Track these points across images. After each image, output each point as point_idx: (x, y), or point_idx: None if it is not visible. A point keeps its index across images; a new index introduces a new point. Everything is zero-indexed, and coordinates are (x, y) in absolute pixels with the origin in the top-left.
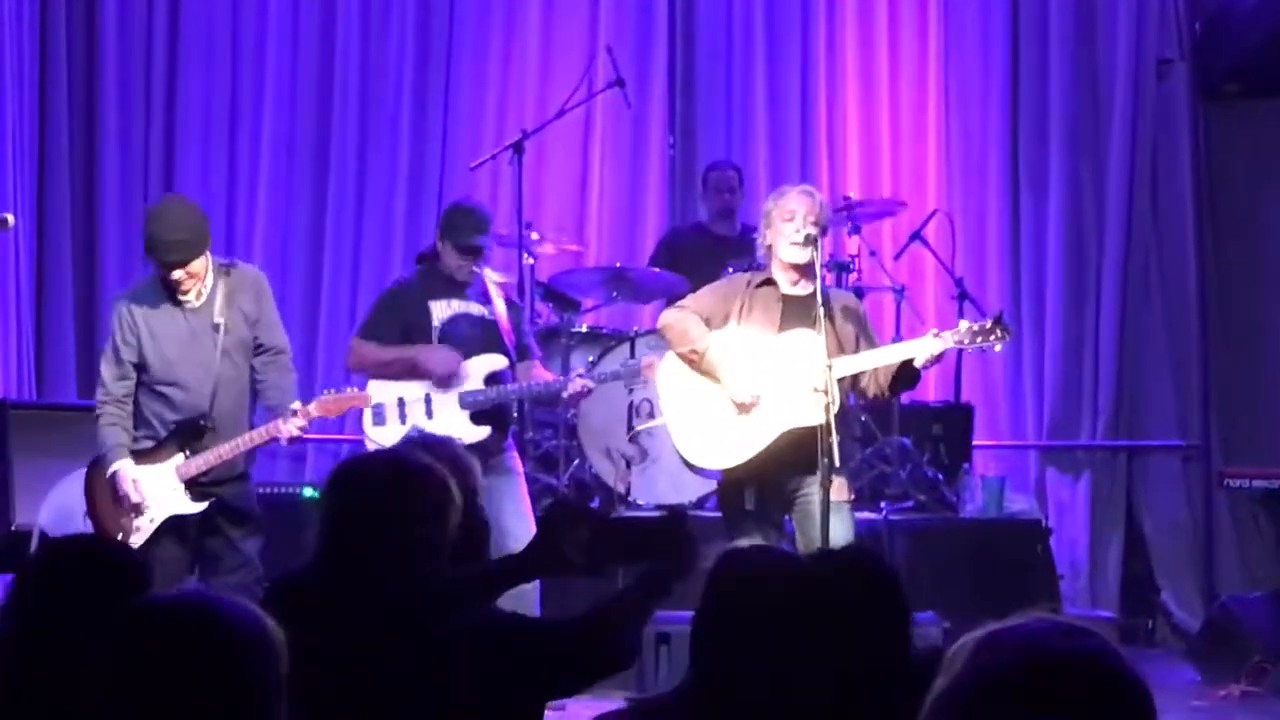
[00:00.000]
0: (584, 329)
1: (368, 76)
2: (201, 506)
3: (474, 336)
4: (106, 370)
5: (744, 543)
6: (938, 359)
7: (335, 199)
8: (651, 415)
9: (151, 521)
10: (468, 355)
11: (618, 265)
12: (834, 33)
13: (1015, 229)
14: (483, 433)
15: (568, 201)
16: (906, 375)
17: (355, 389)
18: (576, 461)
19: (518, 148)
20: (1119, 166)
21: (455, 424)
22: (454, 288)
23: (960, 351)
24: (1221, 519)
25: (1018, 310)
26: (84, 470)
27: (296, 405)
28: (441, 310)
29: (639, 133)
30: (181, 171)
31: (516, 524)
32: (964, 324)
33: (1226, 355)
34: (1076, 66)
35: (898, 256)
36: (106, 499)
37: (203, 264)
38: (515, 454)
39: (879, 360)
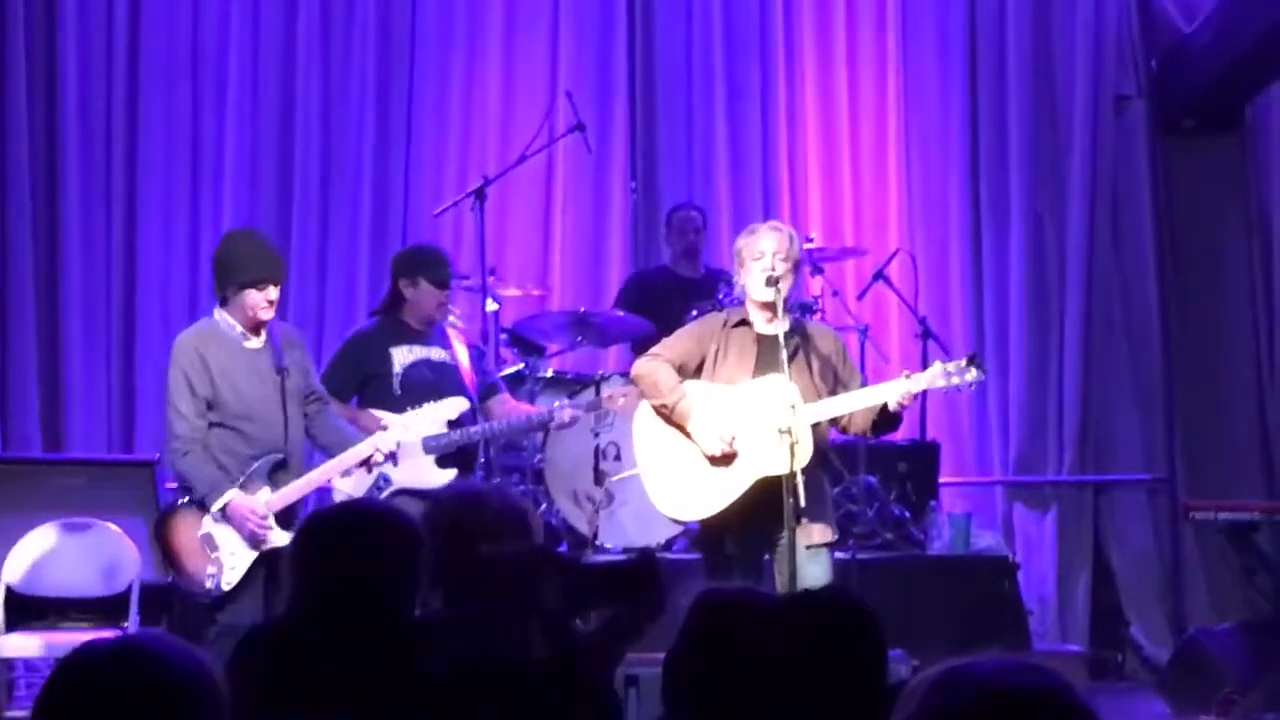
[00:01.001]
0: (549, 373)
1: (329, 123)
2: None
3: (435, 380)
4: (184, 408)
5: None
6: (913, 400)
7: (298, 249)
8: (619, 459)
9: (248, 558)
10: (430, 399)
11: (582, 309)
12: (793, 73)
13: (977, 266)
14: (449, 476)
15: (531, 246)
16: (887, 418)
17: (452, 399)
18: (544, 506)
19: (480, 194)
20: (1079, 202)
21: (421, 469)
22: (414, 334)
23: (923, 391)
24: (1189, 551)
25: (982, 347)
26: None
27: (388, 421)
28: (403, 356)
29: (600, 177)
30: (144, 230)
31: None
32: (938, 364)
33: (1191, 387)
34: (1035, 104)
35: (861, 296)
36: (192, 542)
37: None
38: None
39: (854, 404)
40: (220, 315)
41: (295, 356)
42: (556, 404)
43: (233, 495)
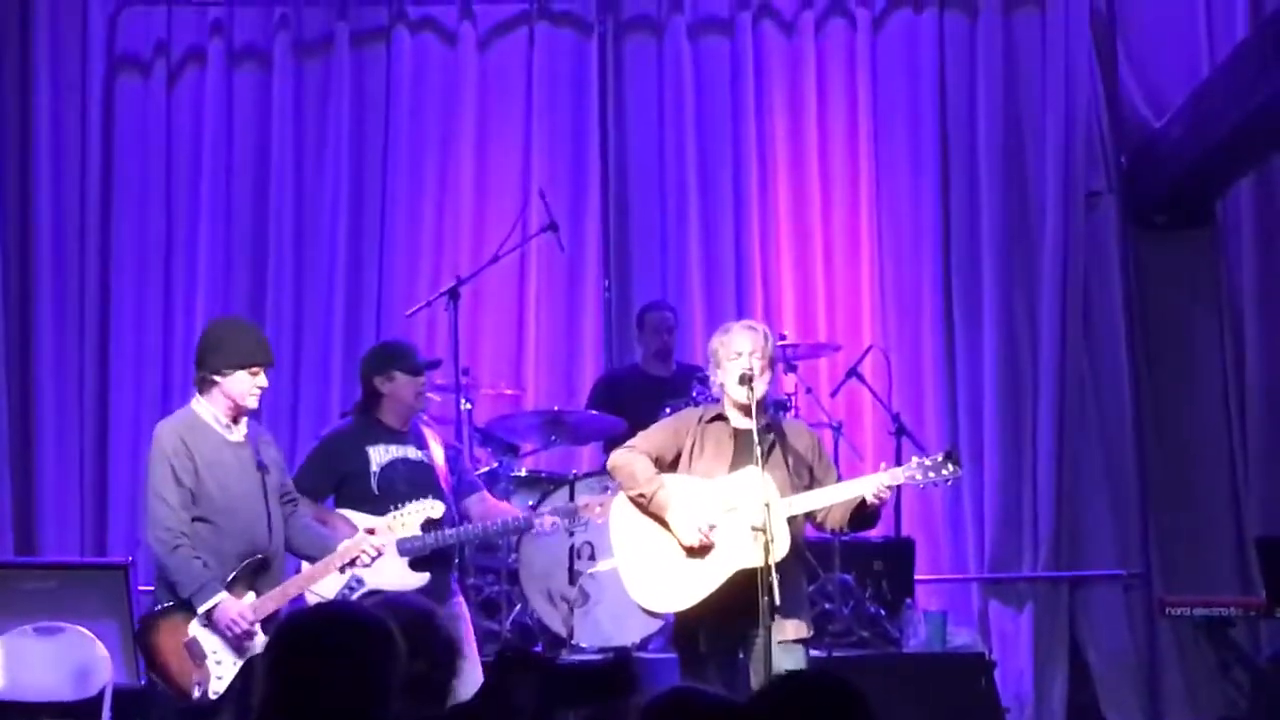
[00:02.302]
0: (523, 473)
1: (302, 222)
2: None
3: (412, 480)
4: (170, 498)
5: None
6: (890, 494)
7: (275, 351)
8: (593, 558)
9: (234, 664)
10: (408, 498)
11: (555, 408)
12: (766, 169)
13: (950, 363)
14: (422, 579)
15: (504, 346)
16: (864, 514)
17: (430, 499)
18: (518, 606)
19: (453, 294)
20: (1051, 298)
21: (393, 571)
22: (390, 433)
23: (899, 486)
24: (1165, 647)
25: (956, 443)
26: (37, 629)
27: (371, 524)
28: (379, 455)
29: (574, 276)
30: (117, 331)
31: (465, 669)
32: (915, 460)
33: (1165, 482)
34: (1007, 200)
35: (834, 393)
36: (177, 647)
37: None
38: (461, 599)
39: (830, 498)
40: (200, 405)
41: (270, 454)
42: (539, 511)
43: (222, 597)
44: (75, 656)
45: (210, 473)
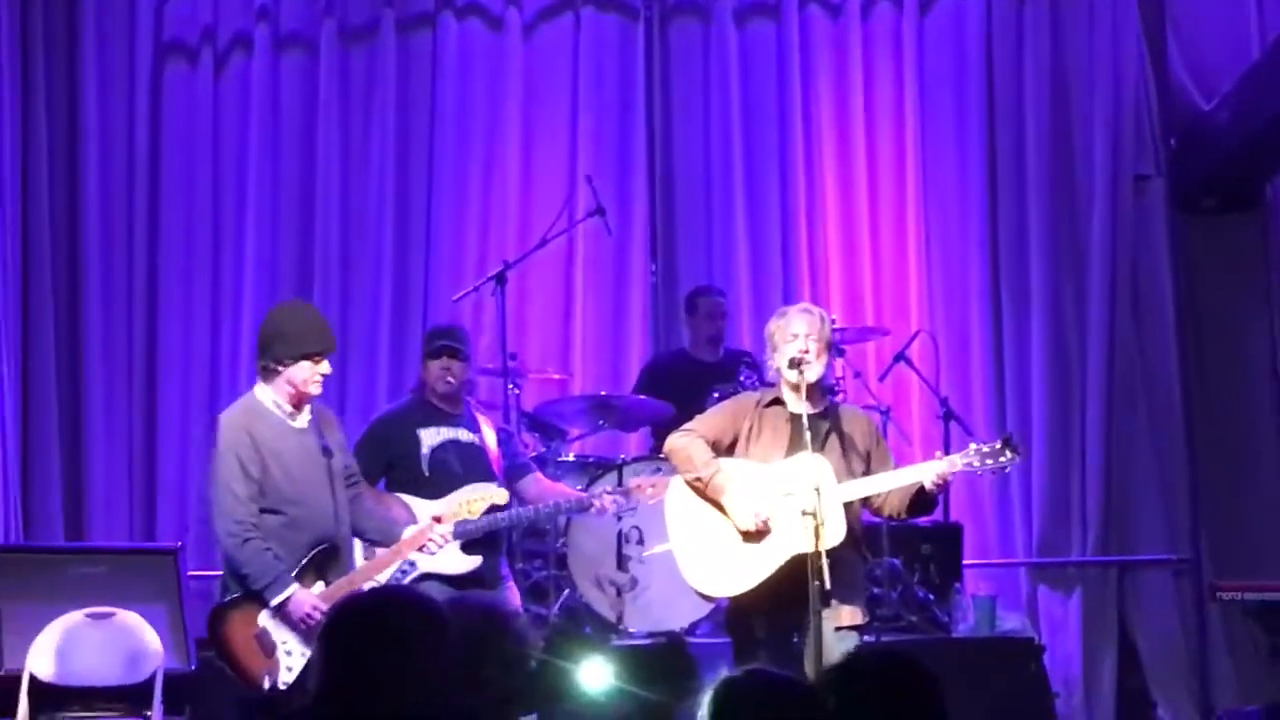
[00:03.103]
0: (570, 457)
1: (349, 208)
2: None
3: (463, 462)
4: (240, 490)
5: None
6: (948, 481)
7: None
8: (641, 543)
9: (304, 656)
10: (457, 482)
11: (603, 393)
12: (812, 152)
13: (998, 347)
14: (474, 562)
15: (551, 330)
16: (922, 499)
17: (492, 486)
18: (567, 591)
19: (500, 278)
20: (1100, 283)
21: (446, 555)
22: (441, 415)
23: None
24: (1215, 632)
25: (1003, 427)
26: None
27: (437, 512)
28: (431, 437)
29: (620, 260)
30: (165, 318)
31: None
32: (972, 446)
33: (1214, 466)
34: (1054, 184)
35: (882, 378)
36: (249, 639)
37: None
38: (511, 584)
39: (887, 484)
40: (263, 392)
41: (334, 437)
42: (599, 491)
43: (294, 590)
44: (126, 641)
45: (276, 462)
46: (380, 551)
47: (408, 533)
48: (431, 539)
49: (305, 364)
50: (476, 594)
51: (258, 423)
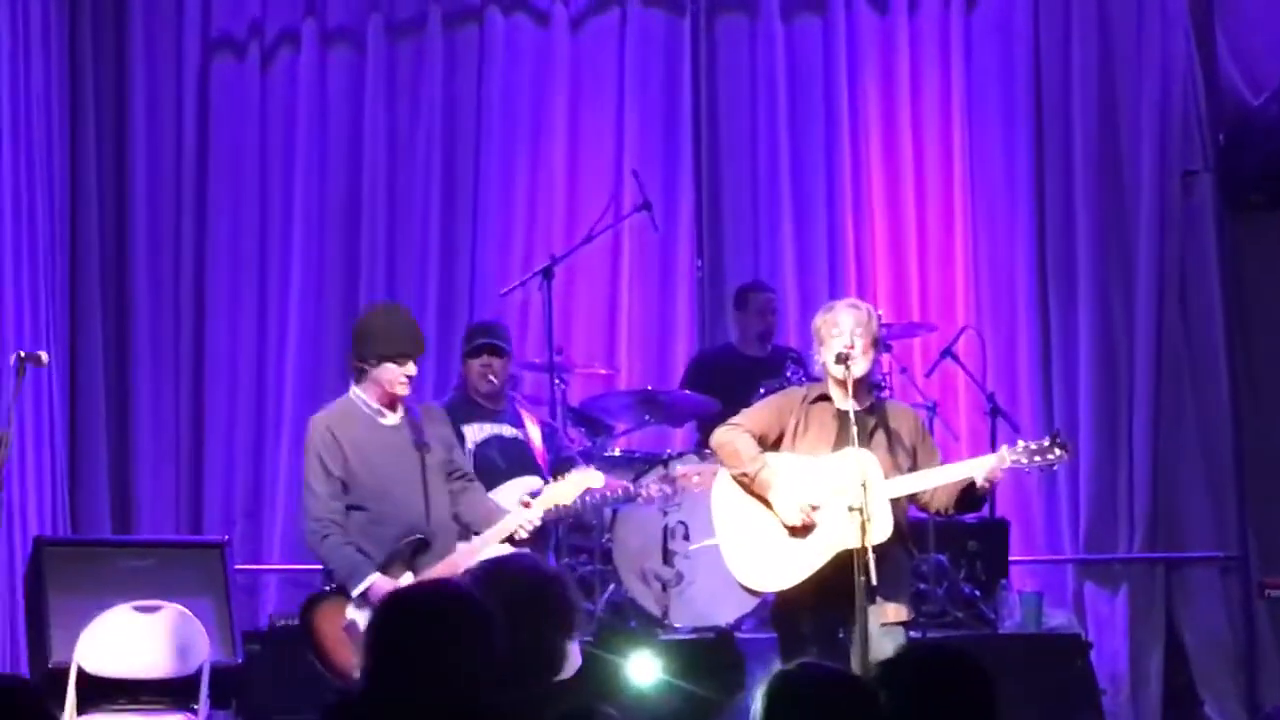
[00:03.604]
0: (617, 452)
1: (395, 204)
2: None
3: (506, 458)
4: (319, 488)
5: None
6: (996, 479)
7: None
8: (687, 538)
9: None
10: (502, 477)
11: (649, 388)
12: (859, 149)
13: (1045, 343)
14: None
15: (597, 325)
16: (971, 496)
17: (587, 468)
18: (612, 585)
19: (547, 273)
20: (1147, 278)
21: (491, 549)
22: (485, 412)
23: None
24: (1263, 630)
25: (1050, 423)
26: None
27: (527, 497)
28: (474, 433)
29: (667, 255)
30: (212, 311)
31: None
32: (1021, 443)
33: (1262, 464)
34: (1102, 180)
35: (929, 374)
36: (337, 631)
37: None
38: None
39: (935, 480)
40: (356, 393)
41: (438, 432)
42: (647, 481)
43: (374, 579)
44: (174, 634)
45: (361, 459)
46: (467, 543)
47: (500, 524)
48: (521, 525)
49: (390, 365)
50: (518, 554)
51: (344, 421)
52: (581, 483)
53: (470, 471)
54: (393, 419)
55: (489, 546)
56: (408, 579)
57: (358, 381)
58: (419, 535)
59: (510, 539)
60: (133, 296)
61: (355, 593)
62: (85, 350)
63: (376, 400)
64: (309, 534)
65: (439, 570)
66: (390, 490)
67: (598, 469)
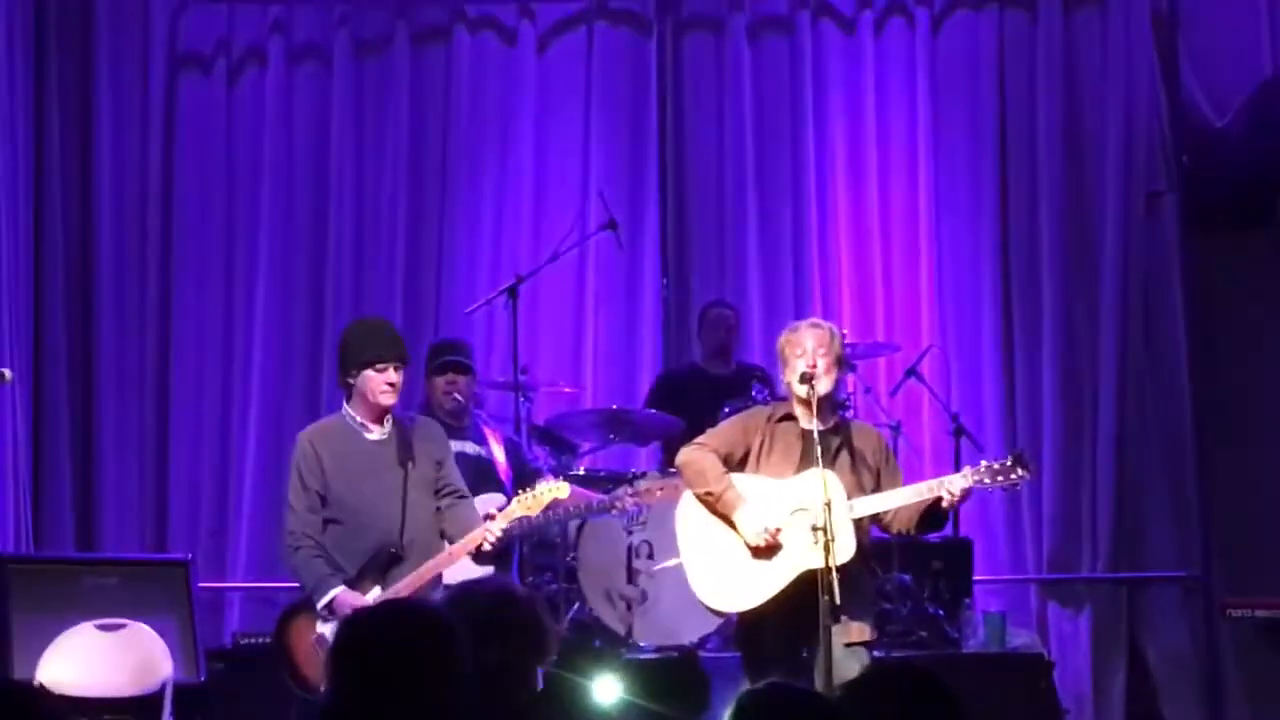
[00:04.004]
0: (582, 471)
1: (362, 219)
2: None
3: (470, 475)
4: (295, 502)
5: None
6: (961, 499)
7: (330, 344)
8: (651, 557)
9: None
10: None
11: (614, 407)
12: (824, 172)
13: (1009, 363)
14: (486, 572)
15: (563, 344)
16: (932, 516)
17: (553, 480)
18: (577, 605)
19: (512, 291)
20: (1111, 297)
21: (458, 565)
22: (448, 430)
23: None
24: (1226, 650)
25: (1014, 443)
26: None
27: (493, 510)
28: None
29: (633, 274)
30: (179, 328)
31: None
32: (983, 463)
33: (1225, 484)
34: (1067, 200)
35: (893, 393)
36: (307, 644)
37: (401, 381)
38: None
39: (898, 500)
40: (346, 409)
41: (427, 448)
42: (620, 492)
43: (337, 592)
44: (137, 652)
45: (339, 473)
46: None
47: (466, 537)
48: (484, 538)
49: (369, 373)
50: (490, 576)
51: (327, 436)
52: (548, 494)
53: (461, 488)
54: (379, 433)
55: (454, 559)
56: (376, 594)
57: (348, 399)
58: (390, 549)
59: (477, 552)
60: (98, 313)
61: (319, 605)
62: (50, 367)
63: (364, 414)
64: (284, 547)
65: (405, 584)
66: (366, 504)
67: None
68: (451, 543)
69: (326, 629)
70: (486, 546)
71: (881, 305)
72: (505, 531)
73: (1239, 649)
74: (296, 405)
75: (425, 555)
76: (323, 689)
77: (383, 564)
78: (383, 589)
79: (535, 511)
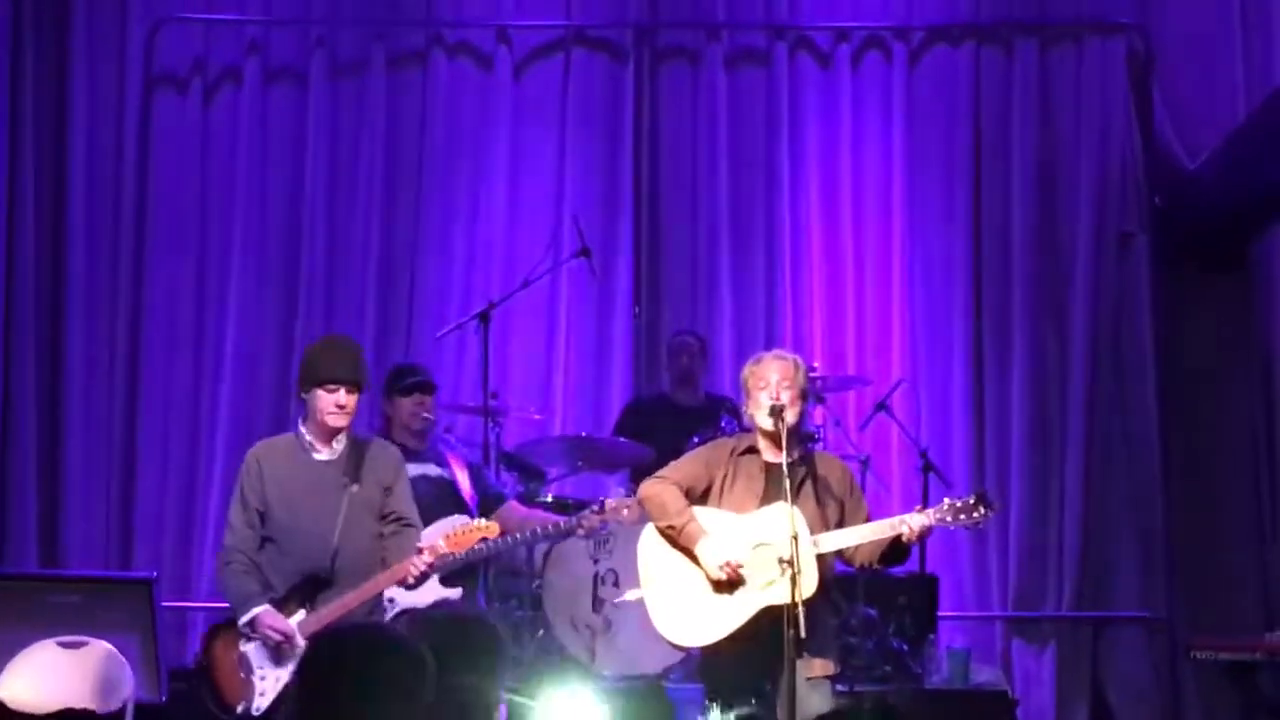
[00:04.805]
0: (549, 499)
1: (335, 242)
2: None
3: (434, 497)
4: (235, 519)
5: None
6: (921, 536)
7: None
8: (617, 585)
9: (278, 681)
10: (431, 518)
11: (583, 434)
12: (798, 203)
13: (979, 399)
14: (454, 594)
15: (533, 370)
16: (895, 551)
17: (482, 520)
18: (542, 632)
19: (484, 317)
20: (1081, 337)
21: (426, 589)
22: (410, 453)
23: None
24: (1188, 690)
25: (982, 480)
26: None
27: (421, 544)
28: None
29: (605, 302)
30: (148, 346)
31: None
32: (946, 501)
33: (1191, 526)
34: (1039, 238)
35: (862, 427)
36: (230, 663)
37: (354, 404)
38: None
39: (861, 536)
40: (301, 428)
41: (377, 473)
42: (588, 509)
43: (259, 611)
44: (99, 670)
45: (279, 493)
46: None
47: (395, 567)
48: (411, 570)
49: (319, 392)
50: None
51: (273, 453)
52: (475, 533)
53: (407, 516)
54: (327, 454)
55: (379, 589)
56: (300, 616)
57: (304, 418)
58: (318, 574)
59: (402, 583)
60: (67, 330)
61: (241, 623)
62: (17, 384)
63: (313, 433)
64: (218, 561)
65: (331, 609)
66: (302, 525)
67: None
68: (388, 567)
69: (249, 648)
70: (410, 580)
71: (853, 338)
72: (430, 566)
73: (1201, 689)
74: (264, 427)
75: (359, 580)
76: (239, 710)
77: (310, 589)
78: (308, 612)
79: (461, 550)
